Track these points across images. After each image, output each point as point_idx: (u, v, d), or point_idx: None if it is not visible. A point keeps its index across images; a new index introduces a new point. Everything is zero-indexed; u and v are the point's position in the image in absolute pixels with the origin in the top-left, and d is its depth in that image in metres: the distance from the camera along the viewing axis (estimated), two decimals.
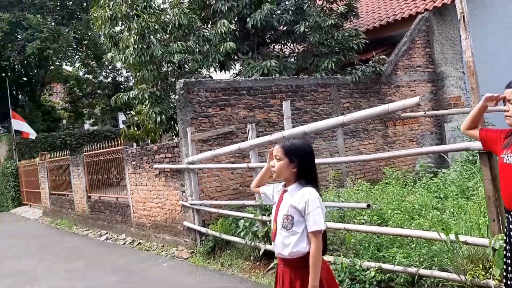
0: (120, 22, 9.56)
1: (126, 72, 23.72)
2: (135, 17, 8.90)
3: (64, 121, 28.79)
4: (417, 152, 6.54)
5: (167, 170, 8.16)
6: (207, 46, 9.15)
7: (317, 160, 3.25)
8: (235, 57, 10.31)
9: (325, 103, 9.24)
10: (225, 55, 9.24)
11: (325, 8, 10.66)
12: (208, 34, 9.09)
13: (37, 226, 14.40)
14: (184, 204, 7.66)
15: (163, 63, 9.20)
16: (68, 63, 25.71)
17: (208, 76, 9.94)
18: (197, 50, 9.13)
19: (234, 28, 10.09)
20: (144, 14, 8.78)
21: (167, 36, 9.26)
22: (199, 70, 9.25)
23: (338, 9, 10.44)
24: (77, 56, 25.56)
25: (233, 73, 10.85)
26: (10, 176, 20.65)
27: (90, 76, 25.90)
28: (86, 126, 29.18)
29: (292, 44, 11.43)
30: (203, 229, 7.34)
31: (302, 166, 2.78)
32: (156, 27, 8.76)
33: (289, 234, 2.74)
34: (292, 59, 10.83)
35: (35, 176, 17.30)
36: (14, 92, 24.17)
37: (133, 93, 9.43)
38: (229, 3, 9.41)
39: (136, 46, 8.65)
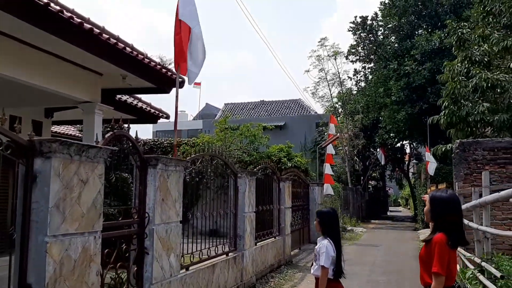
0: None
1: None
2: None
3: None
4: None
5: None
6: None
7: None
8: None
9: None
10: None
11: None
12: None
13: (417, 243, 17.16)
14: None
15: (472, 121, 10.21)
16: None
17: None
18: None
19: None
20: (453, 82, 10.21)
21: (476, 97, 10.20)
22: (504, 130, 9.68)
23: None
24: None
25: None
26: (420, 202, 24.22)
27: None
28: None
29: None
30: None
31: (323, 225, 4.72)
32: (465, 92, 10.01)
33: (316, 264, 4.77)
34: None
35: None
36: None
37: (450, 146, 10.88)
38: None
39: (447, 110, 10.24)
